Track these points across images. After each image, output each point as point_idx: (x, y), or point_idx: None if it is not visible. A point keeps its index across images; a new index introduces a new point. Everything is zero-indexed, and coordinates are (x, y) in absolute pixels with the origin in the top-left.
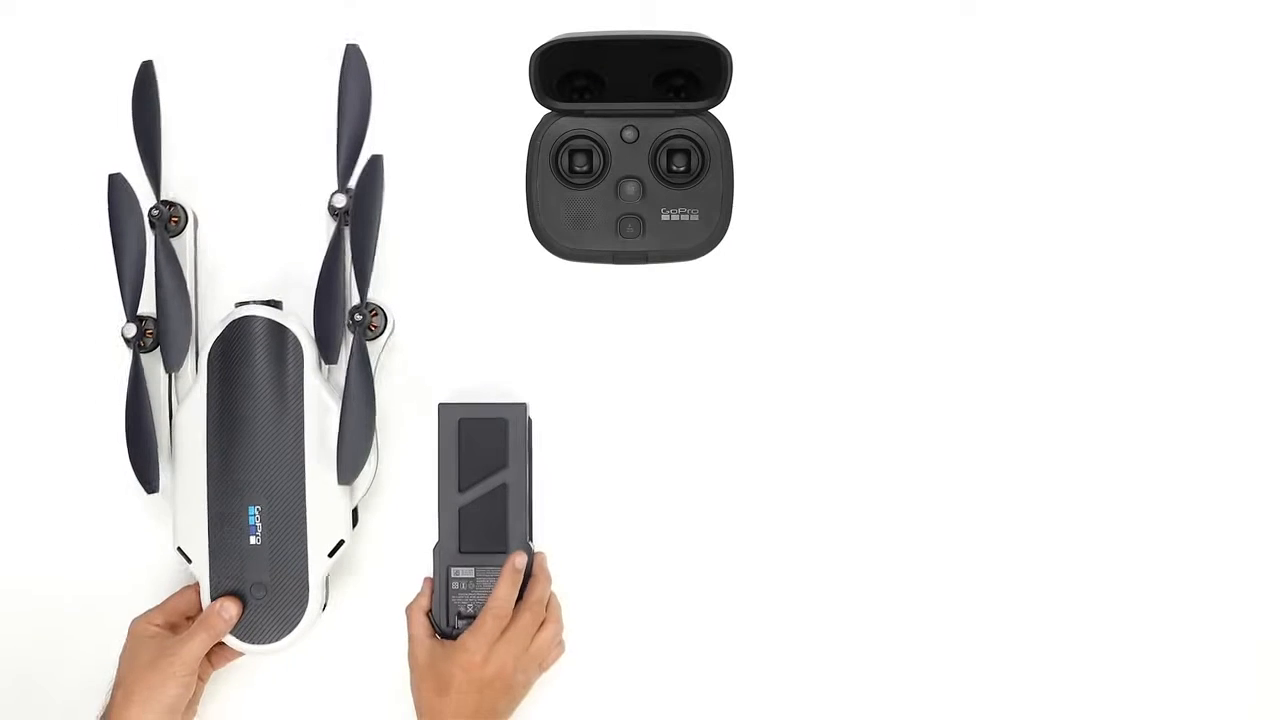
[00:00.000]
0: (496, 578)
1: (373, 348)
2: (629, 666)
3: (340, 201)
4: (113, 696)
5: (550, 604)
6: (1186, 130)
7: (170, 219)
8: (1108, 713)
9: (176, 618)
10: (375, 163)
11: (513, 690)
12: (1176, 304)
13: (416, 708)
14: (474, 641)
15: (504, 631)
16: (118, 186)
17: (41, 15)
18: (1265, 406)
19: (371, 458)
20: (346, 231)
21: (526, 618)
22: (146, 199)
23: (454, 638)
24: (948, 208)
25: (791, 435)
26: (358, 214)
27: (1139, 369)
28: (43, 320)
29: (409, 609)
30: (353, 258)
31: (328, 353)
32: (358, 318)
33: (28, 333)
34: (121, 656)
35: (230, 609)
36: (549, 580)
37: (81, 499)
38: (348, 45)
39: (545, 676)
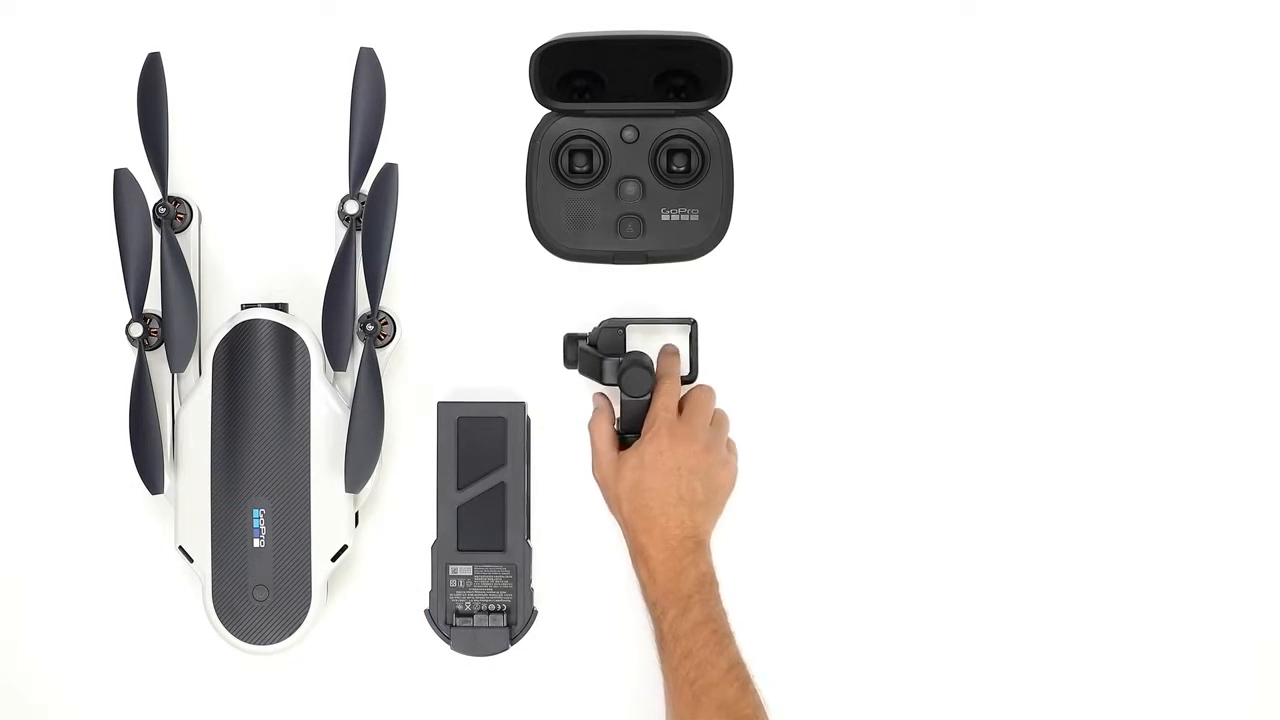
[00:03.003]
0: (498, 572)
1: (380, 355)
2: (628, 665)
3: (353, 208)
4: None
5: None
6: (1186, 129)
7: (176, 215)
8: (1108, 713)
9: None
10: (390, 171)
11: (711, 471)
12: (1177, 303)
13: (620, 522)
14: (654, 427)
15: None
16: (123, 182)
17: (47, 6)
18: (1265, 406)
19: None
20: (358, 238)
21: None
22: (152, 195)
23: (450, 638)
24: (948, 207)
25: (791, 434)
26: (371, 223)
27: (1138, 367)
28: (47, 317)
29: (590, 425)
30: (364, 266)
31: (336, 360)
32: (369, 327)
33: (31, 329)
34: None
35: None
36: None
37: (83, 498)
38: (361, 48)
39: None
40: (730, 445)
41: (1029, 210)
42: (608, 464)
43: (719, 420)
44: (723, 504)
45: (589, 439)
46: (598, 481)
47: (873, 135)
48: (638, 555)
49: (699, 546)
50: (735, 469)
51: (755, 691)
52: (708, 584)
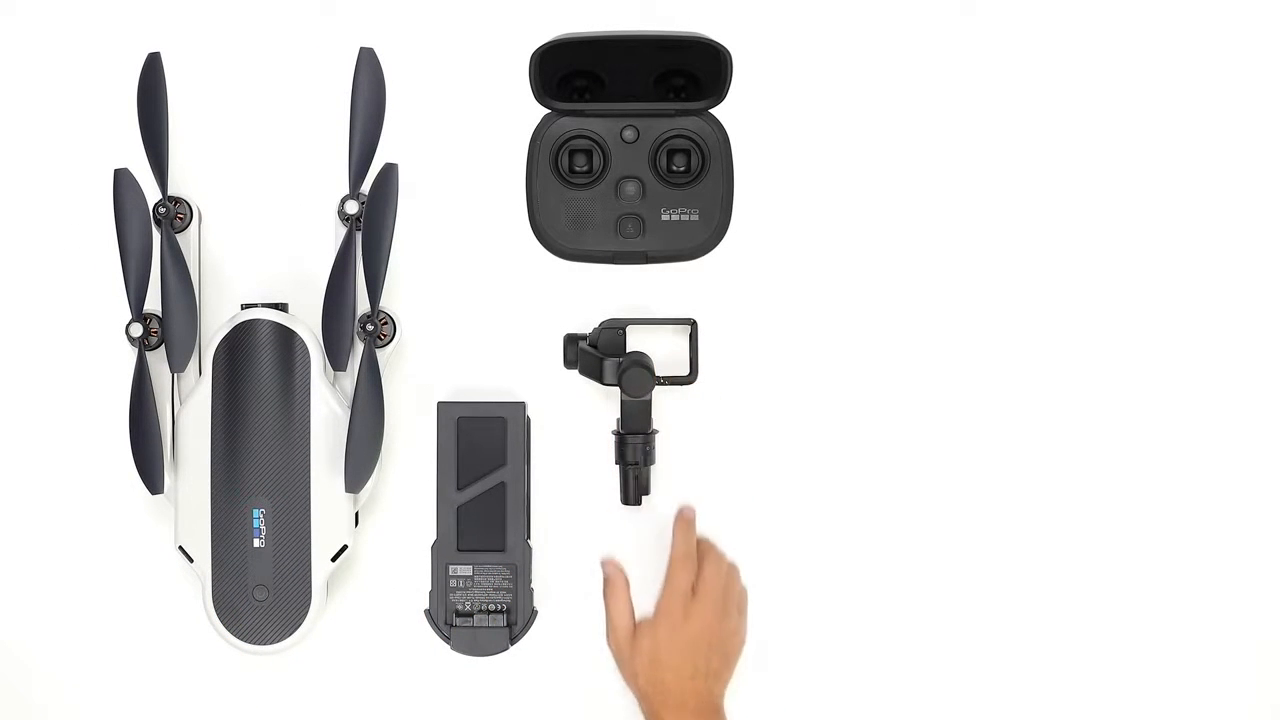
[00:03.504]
0: (498, 572)
1: (380, 355)
2: None
3: (353, 208)
4: None
5: (705, 551)
6: (1186, 130)
7: (176, 215)
8: (1108, 712)
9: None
10: (390, 171)
11: (724, 642)
12: (1177, 303)
13: (636, 693)
14: (669, 603)
15: (694, 588)
16: (123, 182)
17: (47, 6)
18: (1265, 406)
19: None
20: (358, 238)
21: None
22: (152, 195)
23: (450, 638)
24: (947, 207)
25: (790, 434)
26: (371, 223)
27: (1139, 367)
28: (47, 317)
29: (606, 596)
30: (364, 266)
31: (336, 360)
32: (369, 327)
33: (31, 329)
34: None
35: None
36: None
37: (83, 498)
38: (361, 48)
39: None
40: (741, 604)
41: (1029, 210)
42: (624, 637)
43: (730, 585)
44: (734, 667)
45: (605, 608)
46: (612, 650)
47: (873, 135)
48: None
49: (715, 712)
50: (745, 634)
51: None
52: None
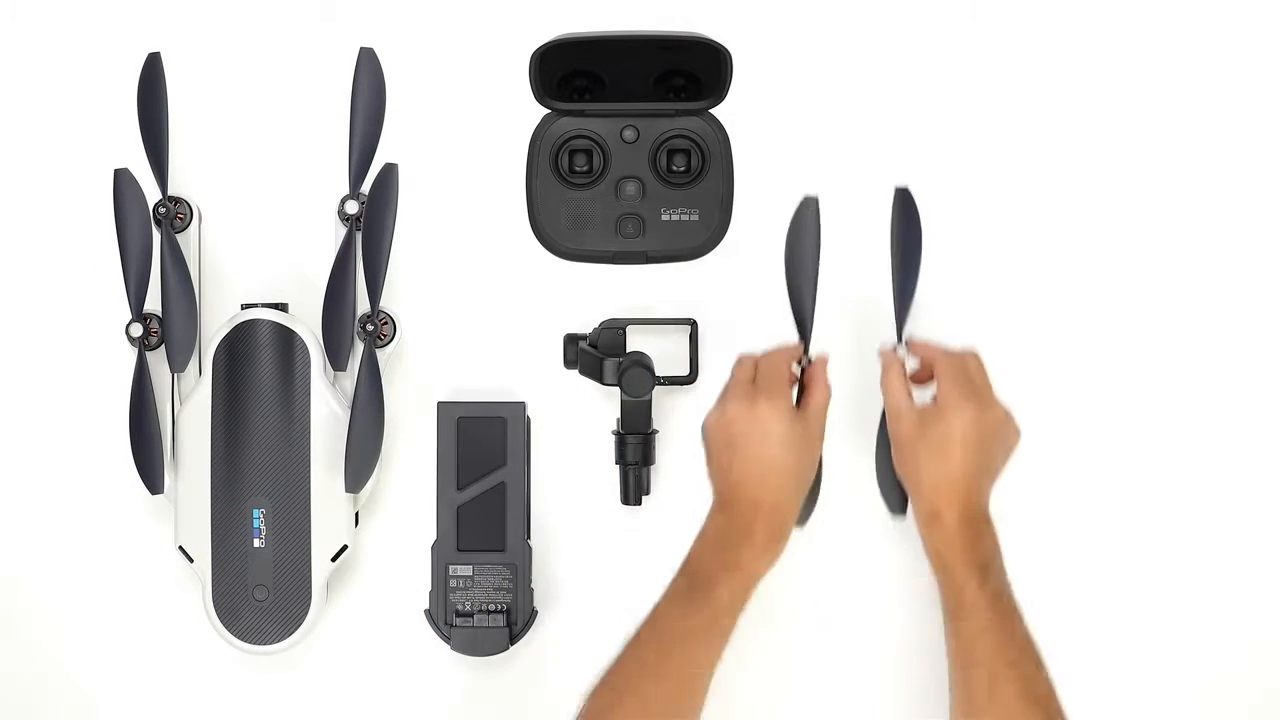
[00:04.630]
0: (498, 572)
1: (380, 355)
2: None
3: (353, 208)
4: None
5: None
6: (1191, 134)
7: (176, 215)
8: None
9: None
10: (390, 171)
11: (1005, 438)
12: (1179, 305)
13: (909, 483)
14: (956, 400)
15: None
16: (123, 182)
17: (47, 6)
18: (1265, 406)
19: None
20: (358, 238)
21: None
22: (152, 195)
23: (450, 638)
24: (947, 207)
25: None
26: (371, 222)
27: (1140, 368)
28: (47, 317)
29: (886, 383)
30: (365, 266)
31: (336, 360)
32: (369, 327)
33: (31, 329)
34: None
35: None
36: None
37: (83, 498)
38: (361, 48)
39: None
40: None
41: (1029, 212)
42: (908, 424)
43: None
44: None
45: (885, 394)
46: (896, 437)
47: (873, 135)
48: (933, 520)
49: (989, 517)
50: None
51: (1046, 669)
52: (1000, 556)
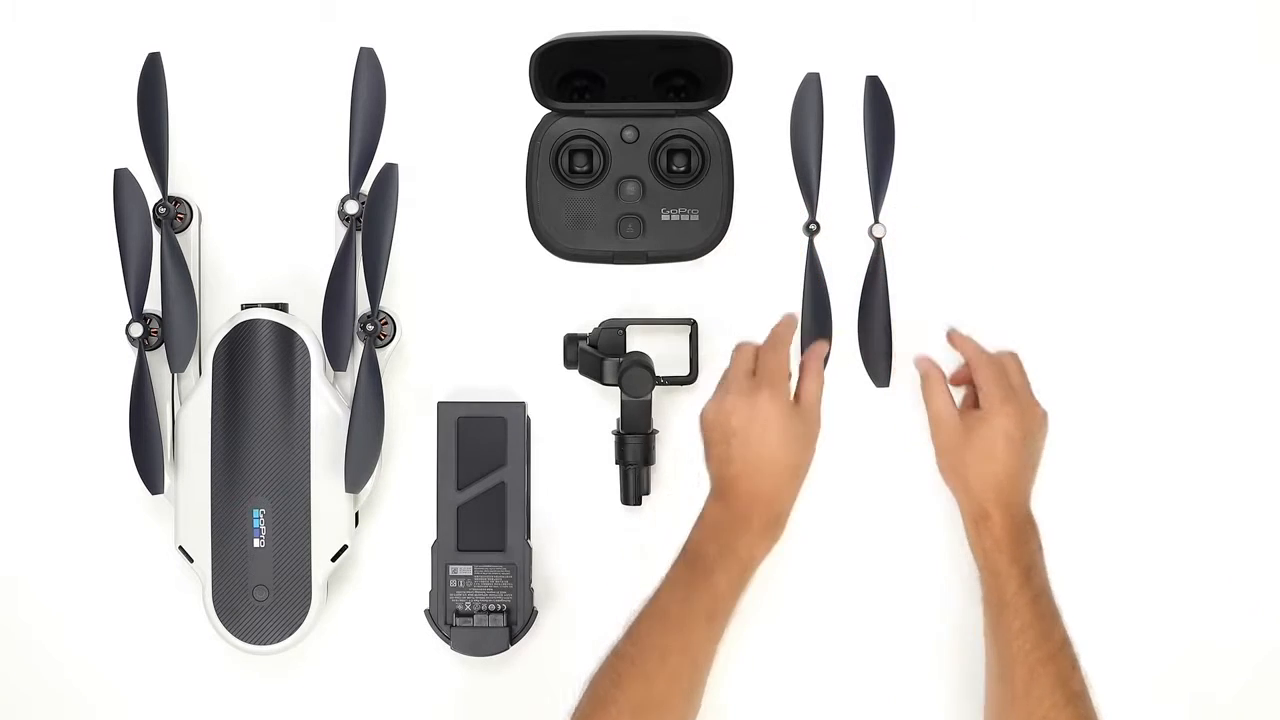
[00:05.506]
0: (498, 572)
1: (380, 355)
2: None
3: (353, 208)
4: None
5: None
6: (1192, 135)
7: (176, 215)
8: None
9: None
10: (390, 171)
11: (1040, 437)
12: (1181, 305)
13: (957, 489)
14: (997, 404)
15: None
16: (123, 182)
17: (47, 6)
18: (1266, 406)
19: None
20: (358, 238)
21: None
22: (152, 195)
23: (450, 638)
24: (947, 208)
25: None
26: (371, 222)
27: (1141, 368)
28: (47, 317)
29: (928, 395)
30: (364, 266)
31: (336, 360)
32: (369, 327)
33: (31, 329)
34: None
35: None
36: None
37: (83, 498)
38: (361, 48)
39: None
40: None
41: (1030, 212)
42: (952, 430)
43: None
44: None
45: (927, 403)
46: (942, 444)
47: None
48: (981, 521)
49: (1032, 518)
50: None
51: (1082, 669)
52: (1042, 555)
